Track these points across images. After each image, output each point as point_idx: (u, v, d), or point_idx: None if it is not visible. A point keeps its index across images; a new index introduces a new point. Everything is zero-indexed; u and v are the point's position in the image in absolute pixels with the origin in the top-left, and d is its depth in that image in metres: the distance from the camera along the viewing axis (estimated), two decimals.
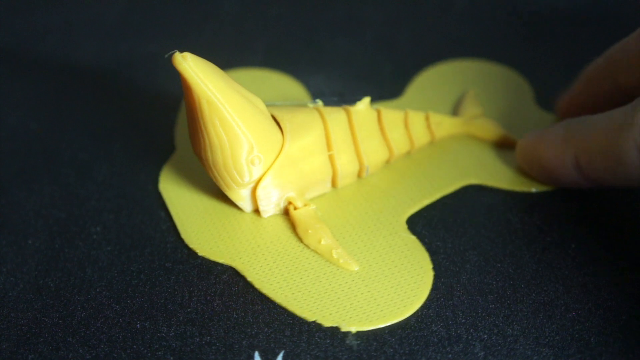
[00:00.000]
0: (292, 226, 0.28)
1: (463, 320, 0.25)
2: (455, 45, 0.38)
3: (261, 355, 0.24)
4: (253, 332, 0.24)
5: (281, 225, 0.28)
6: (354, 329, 0.24)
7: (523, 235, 0.28)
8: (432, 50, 0.38)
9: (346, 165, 0.28)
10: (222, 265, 0.26)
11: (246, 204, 0.28)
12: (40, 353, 0.24)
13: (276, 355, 0.24)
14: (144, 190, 0.30)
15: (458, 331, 0.24)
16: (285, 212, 0.28)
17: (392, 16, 0.41)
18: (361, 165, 0.29)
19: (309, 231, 0.27)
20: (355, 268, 0.26)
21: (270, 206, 0.28)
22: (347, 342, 0.24)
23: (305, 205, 0.28)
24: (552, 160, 0.27)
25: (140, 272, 0.26)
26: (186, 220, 0.28)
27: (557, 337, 0.24)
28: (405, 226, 0.28)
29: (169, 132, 0.32)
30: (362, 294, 0.25)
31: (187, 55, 0.24)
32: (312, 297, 0.25)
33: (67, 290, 0.26)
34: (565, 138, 0.27)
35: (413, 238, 0.27)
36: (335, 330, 0.24)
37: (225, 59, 0.36)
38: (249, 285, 0.26)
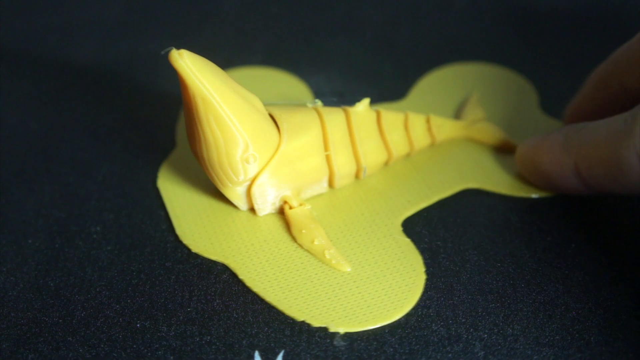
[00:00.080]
0: (287, 225, 0.28)
1: (463, 320, 0.25)
2: (457, 45, 0.38)
3: (261, 355, 0.24)
4: (253, 332, 0.24)
5: (276, 224, 0.28)
6: (342, 329, 0.24)
7: (523, 235, 0.28)
8: (432, 50, 0.38)
9: (343, 165, 0.28)
10: (221, 264, 0.26)
11: (241, 202, 0.28)
12: (40, 352, 0.24)
13: (276, 354, 0.24)
14: (144, 189, 0.30)
15: (458, 331, 0.24)
16: (281, 211, 0.28)
17: (392, 16, 0.41)
18: (359, 166, 0.29)
19: (303, 231, 0.27)
20: (348, 269, 0.26)
21: (265, 205, 0.28)
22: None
23: (300, 204, 0.28)
24: (551, 167, 0.27)
25: (140, 271, 0.26)
26: (182, 216, 0.28)
27: (557, 337, 0.24)
28: (401, 229, 0.28)
29: (169, 131, 0.32)
30: (352, 295, 0.25)
31: (184, 53, 0.24)
32: (302, 297, 0.25)
33: (67, 290, 0.26)
34: (565, 145, 0.27)
35: (407, 241, 0.27)
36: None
37: (225, 58, 0.36)
38: None
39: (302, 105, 0.28)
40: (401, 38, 0.39)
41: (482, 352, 0.24)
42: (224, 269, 0.26)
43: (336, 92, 0.35)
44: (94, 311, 0.25)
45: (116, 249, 0.27)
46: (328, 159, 0.28)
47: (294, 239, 0.27)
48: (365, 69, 0.37)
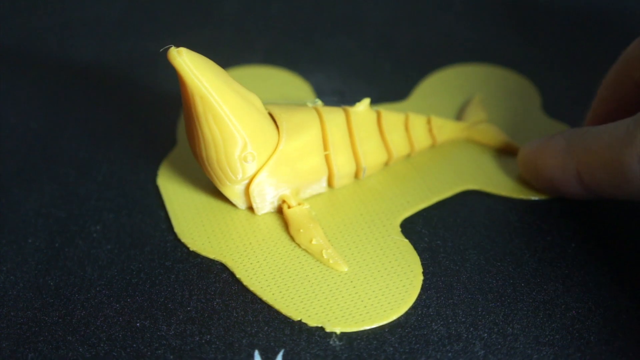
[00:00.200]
0: (285, 225, 0.28)
1: (463, 319, 0.25)
2: (459, 46, 0.38)
3: (261, 354, 0.24)
4: (253, 331, 0.24)
5: (274, 223, 0.28)
6: (338, 329, 0.24)
7: (523, 235, 0.28)
8: (433, 50, 0.38)
9: (343, 165, 0.28)
10: (221, 263, 0.26)
11: (240, 201, 0.28)
12: (40, 352, 0.24)
13: (276, 353, 0.24)
14: (144, 189, 0.30)
15: (458, 330, 0.24)
16: (280, 211, 0.28)
17: (393, 15, 0.41)
18: (358, 166, 0.29)
19: (301, 230, 0.27)
20: (345, 269, 0.26)
21: (264, 204, 0.28)
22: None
23: (299, 204, 0.28)
24: (553, 172, 0.27)
25: (140, 270, 0.26)
26: (181, 214, 0.28)
27: (557, 336, 0.24)
28: (399, 229, 0.28)
29: (170, 131, 0.32)
30: (349, 295, 0.25)
31: (183, 51, 0.24)
32: (299, 296, 0.25)
33: (67, 289, 0.26)
34: (567, 150, 0.27)
35: (406, 241, 0.27)
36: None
37: (226, 58, 0.36)
38: None
39: (302, 104, 0.28)
40: (402, 38, 0.39)
41: (482, 352, 0.24)
42: (224, 268, 0.26)
43: (337, 92, 0.35)
44: (94, 310, 0.25)
45: (116, 248, 0.27)
46: (327, 158, 0.28)
47: (292, 238, 0.27)
48: (366, 69, 0.37)
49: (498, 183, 0.30)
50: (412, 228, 0.28)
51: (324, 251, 0.26)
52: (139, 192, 0.29)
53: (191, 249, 0.27)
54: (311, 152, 0.27)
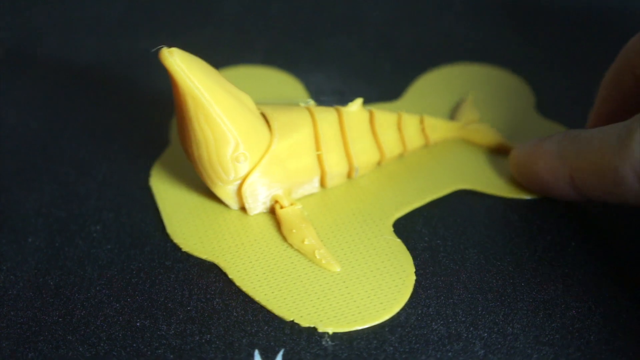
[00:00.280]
0: (278, 225, 0.28)
1: (463, 319, 0.25)
2: (455, 46, 0.38)
3: (261, 354, 0.24)
4: (253, 331, 0.24)
5: (267, 223, 0.28)
6: (330, 330, 0.24)
7: (523, 234, 0.28)
8: (433, 49, 0.38)
9: (335, 165, 0.28)
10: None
11: (232, 202, 0.28)
12: (40, 351, 0.24)
13: (276, 353, 0.24)
14: (144, 188, 0.30)
15: (458, 329, 0.24)
16: (272, 211, 0.28)
17: (392, 15, 0.41)
18: (351, 166, 0.29)
19: (293, 230, 0.27)
20: (337, 269, 0.26)
21: (256, 204, 0.28)
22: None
23: (291, 204, 0.28)
24: (546, 176, 0.27)
25: (140, 270, 0.26)
26: (173, 215, 0.28)
27: (557, 336, 0.24)
28: (392, 229, 0.28)
29: (169, 129, 0.32)
30: (342, 295, 0.25)
31: (174, 51, 0.24)
32: (291, 296, 0.25)
33: (67, 289, 0.26)
34: (560, 154, 0.26)
35: (398, 241, 0.27)
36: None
37: (226, 57, 0.36)
38: None
39: (295, 104, 0.28)
40: (401, 38, 0.39)
41: (482, 351, 0.24)
42: None
43: (336, 92, 0.35)
44: (94, 310, 0.25)
45: (116, 248, 0.27)
46: (319, 158, 0.28)
47: (284, 238, 0.27)
48: (366, 69, 0.37)
49: (491, 183, 0.30)
50: (412, 227, 0.28)
51: (316, 251, 0.26)
52: (139, 192, 0.29)
53: (183, 249, 0.27)
54: (303, 152, 0.27)
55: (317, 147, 0.28)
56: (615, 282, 0.26)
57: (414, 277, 0.26)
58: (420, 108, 0.32)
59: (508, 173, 0.30)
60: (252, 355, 0.24)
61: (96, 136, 0.32)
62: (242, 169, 0.26)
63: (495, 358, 0.23)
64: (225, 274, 0.26)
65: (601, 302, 0.25)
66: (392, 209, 0.28)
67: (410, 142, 0.30)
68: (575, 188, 0.26)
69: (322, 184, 0.29)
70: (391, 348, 0.24)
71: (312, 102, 0.28)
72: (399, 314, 0.25)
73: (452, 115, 0.33)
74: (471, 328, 0.24)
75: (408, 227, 0.28)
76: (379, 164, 0.30)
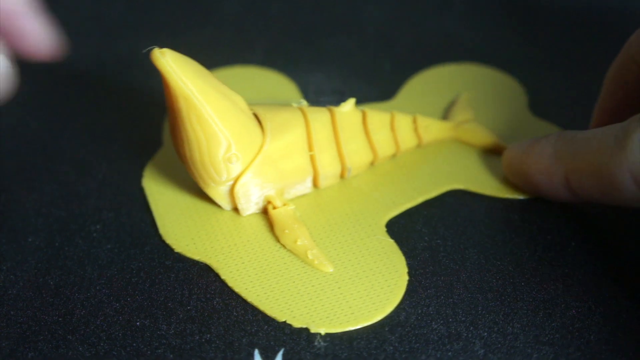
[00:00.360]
0: (270, 225, 0.28)
1: (463, 318, 0.25)
2: (457, 45, 0.38)
3: (261, 353, 0.24)
4: (253, 330, 0.24)
5: (259, 224, 0.28)
6: (323, 330, 0.24)
7: (523, 233, 0.28)
8: (433, 49, 0.38)
9: (328, 166, 0.28)
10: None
11: (225, 202, 0.28)
12: (40, 351, 0.24)
13: (276, 353, 0.24)
14: (144, 188, 0.29)
15: (458, 329, 0.24)
16: (265, 211, 0.28)
17: (392, 15, 0.41)
18: (343, 166, 0.28)
19: (286, 231, 0.27)
20: (330, 269, 0.26)
21: (249, 205, 0.28)
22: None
23: (284, 204, 0.28)
24: (540, 177, 0.27)
25: (140, 269, 0.26)
26: (166, 215, 0.28)
27: (557, 335, 0.24)
28: (385, 229, 0.28)
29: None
30: (334, 295, 0.25)
31: (166, 52, 0.24)
32: (283, 297, 0.25)
33: (67, 288, 0.26)
34: (555, 156, 0.26)
35: (391, 241, 0.27)
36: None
37: (226, 57, 0.36)
38: None
39: (287, 105, 0.28)
40: (401, 38, 0.39)
41: (482, 351, 0.24)
42: None
43: (336, 92, 0.35)
44: (94, 309, 0.25)
45: (116, 248, 0.27)
46: (312, 159, 0.28)
47: (277, 239, 0.27)
48: (366, 69, 0.37)
49: (484, 182, 0.30)
50: (412, 227, 0.28)
51: (308, 252, 0.26)
52: (139, 192, 0.29)
53: (175, 250, 0.27)
54: (296, 152, 0.27)
55: (310, 147, 0.28)
56: (615, 282, 0.26)
57: (406, 278, 0.26)
58: (413, 108, 0.32)
59: (501, 173, 0.30)
60: (252, 355, 0.24)
61: (96, 136, 0.32)
62: (235, 170, 0.26)
63: (495, 357, 0.23)
64: None
65: (601, 301, 0.25)
66: (385, 209, 0.28)
67: (403, 142, 0.30)
68: (570, 189, 0.26)
69: (315, 184, 0.29)
70: (391, 347, 0.24)
71: (304, 103, 0.28)
72: (398, 314, 0.25)
73: (446, 115, 0.33)
74: (471, 327, 0.24)
75: (408, 227, 0.28)
76: (371, 164, 0.30)
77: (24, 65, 0.37)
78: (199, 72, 0.24)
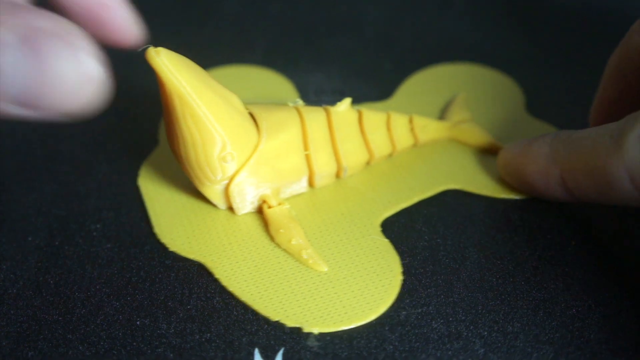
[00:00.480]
0: (266, 225, 0.27)
1: (463, 317, 0.25)
2: (458, 45, 0.38)
3: (261, 353, 0.24)
4: (253, 329, 0.24)
5: (254, 223, 0.28)
6: (316, 330, 0.24)
7: (523, 233, 0.28)
8: (433, 49, 0.38)
9: (323, 165, 0.28)
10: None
11: (220, 201, 0.28)
12: (40, 350, 0.24)
13: (276, 352, 0.24)
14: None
15: (458, 328, 0.24)
16: (260, 211, 0.28)
17: (392, 15, 0.41)
18: (339, 166, 0.28)
19: (281, 230, 0.27)
20: (324, 269, 0.26)
21: (244, 204, 0.27)
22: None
23: (279, 204, 0.28)
24: (536, 178, 0.27)
25: (140, 269, 0.26)
26: (161, 215, 0.28)
27: (557, 334, 0.24)
28: (380, 229, 0.27)
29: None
30: (328, 295, 0.25)
31: (161, 51, 0.24)
32: (277, 296, 0.25)
33: (66, 288, 0.26)
34: (551, 156, 0.26)
35: (385, 241, 0.27)
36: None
37: (225, 57, 0.36)
38: None
39: (283, 104, 0.28)
40: (402, 37, 0.39)
41: (482, 350, 0.24)
42: None
43: (337, 91, 0.35)
44: (94, 309, 0.25)
45: (116, 247, 0.27)
46: (308, 158, 0.28)
47: (272, 238, 0.27)
48: (366, 69, 0.37)
49: (480, 183, 0.29)
50: (412, 226, 0.28)
51: (303, 251, 0.26)
52: (139, 191, 0.29)
53: (170, 249, 0.27)
54: (291, 152, 0.27)
55: (306, 146, 0.27)
56: (615, 282, 0.26)
57: (400, 277, 0.26)
58: (410, 107, 0.32)
59: (497, 173, 0.30)
60: (252, 354, 0.24)
61: (96, 135, 0.32)
62: (230, 169, 0.26)
63: (495, 357, 0.24)
64: None
65: (601, 301, 0.25)
66: (380, 209, 0.28)
67: (400, 142, 0.30)
68: (566, 189, 0.26)
69: (311, 183, 0.29)
70: (391, 347, 0.24)
71: (300, 102, 0.28)
72: (398, 313, 0.25)
73: (442, 115, 0.33)
74: (471, 327, 0.24)
75: (408, 226, 0.28)
76: (367, 163, 0.30)
77: None
78: (194, 71, 0.24)
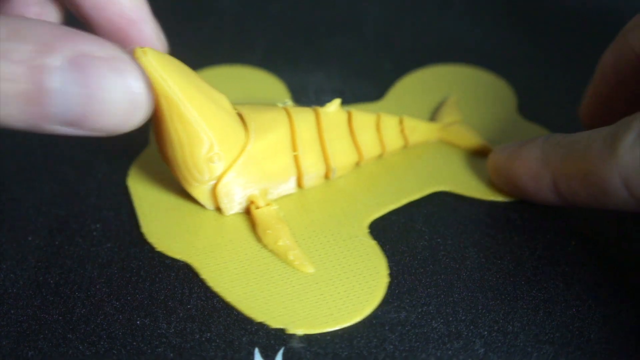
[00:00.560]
0: (253, 225, 0.27)
1: (463, 317, 0.25)
2: (458, 45, 0.38)
3: (261, 352, 0.24)
4: (253, 329, 0.24)
5: (242, 224, 0.28)
6: (300, 331, 0.24)
7: (523, 232, 0.28)
8: (433, 49, 0.38)
9: (312, 166, 0.28)
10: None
11: (208, 202, 0.27)
12: (40, 350, 0.24)
13: (276, 352, 0.24)
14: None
15: (458, 328, 0.24)
16: (248, 211, 0.28)
17: (392, 15, 0.41)
18: (328, 167, 0.28)
19: (268, 231, 0.27)
20: (311, 270, 0.26)
21: (232, 204, 0.27)
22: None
23: (267, 204, 0.28)
24: (527, 181, 0.27)
25: (140, 268, 0.26)
26: (149, 214, 0.28)
27: (557, 334, 0.24)
28: (367, 230, 0.27)
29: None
30: (314, 296, 0.25)
31: (148, 51, 0.24)
32: (263, 297, 0.25)
33: (67, 287, 0.26)
34: (542, 160, 0.26)
35: (372, 243, 0.27)
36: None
37: (225, 56, 0.36)
38: None
39: (272, 105, 0.28)
40: (402, 37, 0.39)
41: (482, 349, 0.24)
42: None
43: (337, 91, 0.35)
44: (94, 308, 0.25)
45: (116, 246, 0.27)
46: (296, 159, 0.28)
47: (259, 239, 0.27)
48: (366, 68, 0.37)
49: (470, 185, 0.29)
50: (412, 226, 0.28)
51: (290, 252, 0.26)
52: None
53: (157, 249, 0.27)
54: (280, 152, 0.27)
55: (294, 147, 0.27)
56: (615, 281, 0.26)
57: (386, 279, 0.26)
58: (401, 109, 0.32)
59: (488, 175, 0.29)
60: (253, 354, 0.23)
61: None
62: (217, 169, 0.26)
63: (495, 356, 0.24)
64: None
65: (601, 300, 0.25)
66: (368, 210, 0.28)
67: (389, 143, 0.30)
68: (558, 193, 0.26)
69: (299, 184, 0.29)
70: (391, 346, 0.24)
71: (289, 103, 0.28)
72: (399, 312, 0.25)
73: (433, 116, 0.33)
74: (471, 326, 0.24)
75: (408, 226, 0.28)
76: (357, 165, 0.30)
77: None
78: (181, 72, 0.24)
